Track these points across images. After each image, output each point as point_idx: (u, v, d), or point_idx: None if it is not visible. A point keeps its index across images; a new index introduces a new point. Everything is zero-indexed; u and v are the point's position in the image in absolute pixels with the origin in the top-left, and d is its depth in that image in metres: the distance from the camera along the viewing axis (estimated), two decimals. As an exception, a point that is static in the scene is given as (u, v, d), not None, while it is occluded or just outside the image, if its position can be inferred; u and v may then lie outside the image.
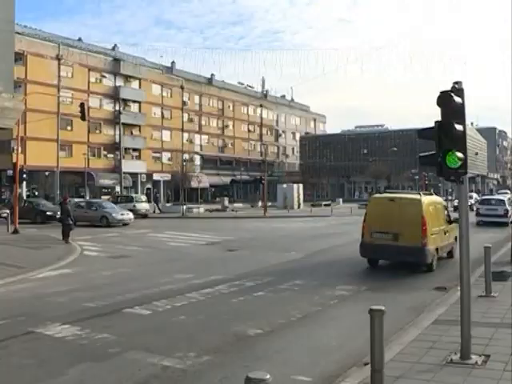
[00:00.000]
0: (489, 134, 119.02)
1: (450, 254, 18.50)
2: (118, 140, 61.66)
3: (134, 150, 71.05)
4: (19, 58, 50.87)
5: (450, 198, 70.46)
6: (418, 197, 16.75)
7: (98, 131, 66.29)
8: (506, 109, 57.82)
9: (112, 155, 67.59)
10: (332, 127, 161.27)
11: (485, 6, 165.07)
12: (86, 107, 35.37)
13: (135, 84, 72.06)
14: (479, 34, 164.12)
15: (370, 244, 16.42)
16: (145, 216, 45.19)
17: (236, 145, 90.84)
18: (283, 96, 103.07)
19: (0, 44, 27.36)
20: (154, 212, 50.76)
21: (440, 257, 16.77)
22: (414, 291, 12.95)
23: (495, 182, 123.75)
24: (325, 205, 66.19)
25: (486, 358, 7.25)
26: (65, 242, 24.06)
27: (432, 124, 7.35)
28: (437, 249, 16.27)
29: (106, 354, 8.16)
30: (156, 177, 73.91)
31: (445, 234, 17.26)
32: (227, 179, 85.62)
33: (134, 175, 68.58)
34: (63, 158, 60.33)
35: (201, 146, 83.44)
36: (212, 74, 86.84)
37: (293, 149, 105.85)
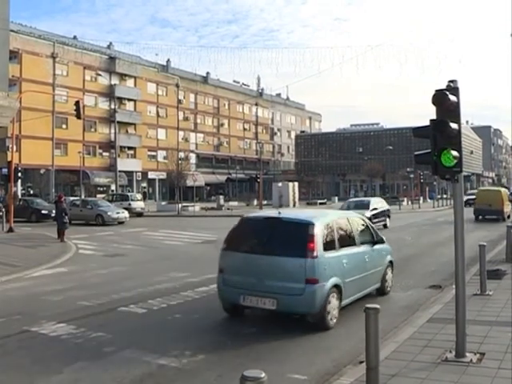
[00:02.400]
0: (484, 132, 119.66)
1: (509, 216, 36.27)
2: (113, 138, 61.60)
3: (130, 148, 71.03)
4: (14, 56, 50.82)
5: (444, 196, 70.62)
6: (499, 188, 41.96)
7: (93, 130, 66.25)
8: (501, 107, 58.37)
9: (107, 154, 67.56)
10: (327, 126, 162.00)
11: (480, 6, 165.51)
12: (81, 105, 35.31)
13: (130, 82, 72.00)
14: (475, 34, 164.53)
15: (478, 208, 36.55)
16: (140, 214, 45.17)
17: (231, 143, 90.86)
18: (279, 94, 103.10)
19: (-5, 42, 27.26)
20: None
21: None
22: (409, 290, 12.97)
23: (490, 181, 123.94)
24: (320, 203, 66.27)
25: (480, 356, 7.27)
26: (60, 241, 24.04)
27: (427, 122, 7.36)
28: (506, 211, 36.12)
29: (100, 352, 8.15)
30: (151, 175, 73.89)
31: (508, 205, 37.14)
32: (223, 178, 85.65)
33: (129, 174, 68.59)
34: (58, 156, 60.30)
35: (196, 144, 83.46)
36: (207, 73, 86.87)
37: (288, 147, 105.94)
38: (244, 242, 10.14)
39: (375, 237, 11.95)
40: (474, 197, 40.61)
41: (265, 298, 9.24)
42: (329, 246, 9.69)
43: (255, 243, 9.90)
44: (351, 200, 34.31)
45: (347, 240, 10.61)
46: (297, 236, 9.54)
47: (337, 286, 9.65)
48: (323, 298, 9.22)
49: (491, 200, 35.60)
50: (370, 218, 24.64)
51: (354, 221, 11.54)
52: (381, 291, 12.03)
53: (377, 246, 11.80)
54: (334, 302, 9.55)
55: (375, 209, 29.70)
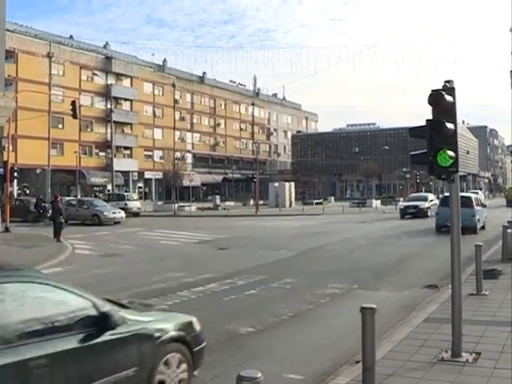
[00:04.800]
0: (480, 132, 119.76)
1: None
2: (109, 138, 61.52)
3: (126, 148, 70.96)
4: (10, 55, 50.62)
5: (440, 196, 70.67)
6: None
7: (89, 129, 66.17)
8: (497, 107, 59.63)
9: (103, 153, 67.49)
10: (324, 126, 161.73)
11: (477, 6, 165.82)
12: (77, 105, 35.27)
13: (127, 82, 71.92)
14: (472, 33, 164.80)
15: (508, 199, 61.88)
16: (136, 214, 45.13)
17: (228, 143, 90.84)
18: (275, 94, 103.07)
19: (-10, 42, 27.22)
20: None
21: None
22: (405, 289, 12.98)
23: (486, 181, 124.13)
24: (316, 203, 66.34)
25: (476, 356, 7.28)
26: (56, 241, 24.00)
27: (423, 122, 7.36)
28: None
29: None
30: (148, 175, 73.83)
31: None
32: (219, 177, 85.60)
33: (125, 173, 68.53)
34: (54, 156, 60.09)
35: (192, 144, 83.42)
36: (204, 73, 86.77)
37: (284, 147, 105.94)
38: (444, 203, 23.61)
39: (483, 203, 30.55)
40: None
41: None
42: (477, 204, 27.58)
43: (448, 203, 22.50)
44: None
45: (479, 203, 28.53)
46: (467, 201, 25.64)
47: (479, 219, 27.13)
48: (477, 221, 26.76)
49: None
50: None
51: (478, 197, 31.06)
52: (483, 228, 28.31)
53: (483, 208, 29.46)
54: (480, 224, 27.47)
55: None
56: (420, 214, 38.56)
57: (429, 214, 38.64)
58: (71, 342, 4.93)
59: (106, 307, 5.45)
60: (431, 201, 41.29)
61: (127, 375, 5.34)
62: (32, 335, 4.69)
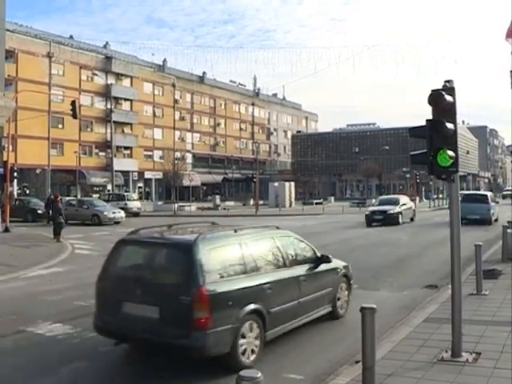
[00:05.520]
0: (480, 132, 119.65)
1: None
2: (109, 138, 61.49)
3: (126, 148, 70.95)
4: (10, 55, 50.65)
5: (440, 196, 70.72)
6: None
7: (89, 129, 66.16)
8: (497, 107, 59.06)
9: (103, 153, 67.48)
10: (324, 126, 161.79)
11: (477, 6, 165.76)
12: (77, 105, 35.25)
13: (127, 82, 71.90)
14: (472, 33, 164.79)
15: None
16: (136, 214, 45.12)
17: (228, 143, 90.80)
18: (275, 94, 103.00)
19: (-10, 41, 27.27)
20: None
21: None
22: (405, 289, 12.97)
23: (486, 181, 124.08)
24: (316, 203, 66.36)
25: (476, 356, 7.28)
26: (56, 241, 23.98)
27: (423, 122, 7.36)
28: None
29: (97, 352, 8.14)
30: (148, 175, 73.81)
31: None
32: (219, 177, 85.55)
33: (125, 173, 68.49)
34: (54, 156, 60.17)
35: (192, 144, 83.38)
36: (204, 73, 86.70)
37: (284, 147, 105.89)
38: (464, 200, 23.53)
39: (495, 200, 37.07)
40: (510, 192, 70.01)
41: (475, 215, 28.96)
42: (491, 201, 32.79)
43: (468, 199, 25.74)
44: None
45: (493, 200, 33.90)
46: (483, 198, 32.29)
47: (493, 213, 31.82)
48: (492, 214, 31.53)
49: None
50: None
51: (492, 195, 36.27)
52: (496, 220, 31.73)
53: (495, 204, 34.72)
54: (494, 217, 31.78)
55: None
56: (389, 220, 32.42)
57: (400, 220, 33.21)
58: (310, 269, 9.28)
59: (320, 252, 9.88)
60: (403, 205, 35.04)
61: (327, 292, 9.65)
62: (295, 263, 9.04)
